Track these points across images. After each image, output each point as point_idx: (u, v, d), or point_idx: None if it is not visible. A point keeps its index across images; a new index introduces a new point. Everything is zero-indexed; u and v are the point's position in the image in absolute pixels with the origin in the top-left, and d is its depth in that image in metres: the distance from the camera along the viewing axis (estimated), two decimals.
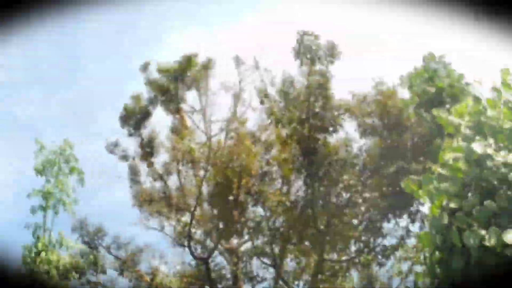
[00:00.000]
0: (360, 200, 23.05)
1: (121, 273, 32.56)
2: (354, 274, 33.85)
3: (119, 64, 64.57)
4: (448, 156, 7.43)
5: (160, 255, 33.56)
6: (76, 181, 21.37)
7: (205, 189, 29.16)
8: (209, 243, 29.06)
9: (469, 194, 6.96)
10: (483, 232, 6.44)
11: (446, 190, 7.22)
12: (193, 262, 28.86)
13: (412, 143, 24.52)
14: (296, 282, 30.45)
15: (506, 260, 6.37)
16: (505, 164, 6.97)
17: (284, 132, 24.57)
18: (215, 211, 27.23)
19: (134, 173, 35.23)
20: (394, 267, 34.97)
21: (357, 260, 27.78)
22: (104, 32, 66.39)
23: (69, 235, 32.10)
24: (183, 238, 27.50)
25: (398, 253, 34.34)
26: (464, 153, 7.19)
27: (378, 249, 25.62)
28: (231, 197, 25.71)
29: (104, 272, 32.66)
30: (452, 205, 7.11)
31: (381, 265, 26.38)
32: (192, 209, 28.24)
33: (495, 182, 6.91)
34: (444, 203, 7.33)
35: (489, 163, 7.06)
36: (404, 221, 25.42)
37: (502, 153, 7.13)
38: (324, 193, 22.67)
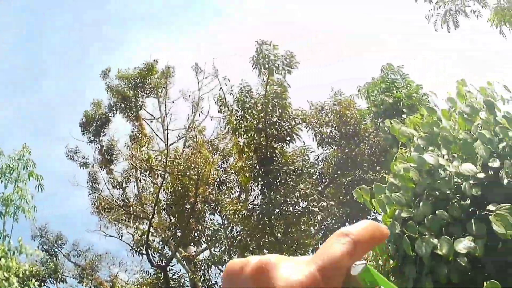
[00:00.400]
0: (316, 209, 23.09)
1: (80, 280, 32.47)
2: None
3: (81, 70, 64.46)
4: (399, 167, 7.50)
5: (120, 262, 33.63)
6: (35, 186, 21.04)
7: (163, 197, 29.19)
8: (167, 251, 29.06)
9: (421, 204, 6.96)
10: (435, 241, 6.40)
11: (398, 199, 7.18)
12: (152, 270, 28.77)
13: (369, 152, 24.79)
14: None
15: (458, 269, 6.38)
16: (458, 174, 6.98)
17: (242, 141, 24.60)
18: (173, 219, 27.16)
19: (93, 180, 35.21)
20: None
21: None
22: (67, 38, 66.28)
23: (28, 242, 32.02)
24: (141, 246, 27.38)
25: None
26: (416, 164, 7.24)
27: None
28: (188, 205, 25.73)
29: (64, 280, 32.57)
30: (404, 214, 7.04)
31: None
32: (150, 217, 28.17)
33: (448, 192, 6.88)
34: (396, 212, 7.29)
35: (441, 173, 7.13)
36: None
37: (455, 163, 7.10)
38: (281, 201, 22.70)
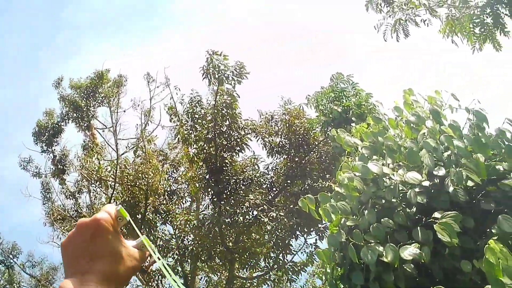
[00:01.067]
0: (266, 219, 23.23)
1: None
2: None
3: (34, 79, 63.92)
4: (344, 176, 7.61)
5: None
6: None
7: None
8: None
9: (366, 212, 6.98)
10: (380, 248, 6.46)
11: (343, 208, 7.26)
12: None
13: (319, 161, 24.98)
14: None
15: (405, 275, 6.45)
16: (403, 183, 7.06)
17: (192, 150, 24.69)
18: (124, 230, 27.03)
19: (46, 191, 34.95)
20: (308, 283, 35.62)
21: (267, 277, 28.09)
22: (19, 47, 65.67)
23: None
24: None
25: (311, 268, 35.00)
26: (360, 173, 7.35)
27: (288, 265, 25.85)
28: (139, 216, 25.65)
29: None
30: (349, 223, 7.16)
31: (292, 281, 26.58)
32: None
33: (393, 200, 6.98)
34: (342, 221, 7.39)
35: (386, 181, 7.21)
36: (312, 238, 25.85)
37: (400, 171, 7.16)
38: (231, 211, 22.79)
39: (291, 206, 24.63)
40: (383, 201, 7.11)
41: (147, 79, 35.60)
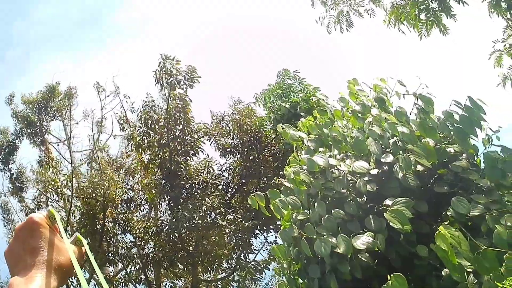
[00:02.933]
0: (224, 223, 23.23)
1: None
2: None
3: None
4: (290, 171, 7.60)
5: None
6: None
7: (74, 221, 28.92)
8: (85, 273, 28.72)
9: (316, 205, 6.95)
10: (333, 240, 6.41)
11: (292, 203, 7.24)
12: None
13: (272, 159, 25.03)
14: None
15: (361, 265, 6.45)
16: (352, 172, 7.06)
17: (146, 157, 24.64)
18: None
19: (5, 211, 34.63)
20: (273, 279, 35.72)
21: (231, 278, 28.13)
22: None
23: None
24: None
25: (277, 265, 35.02)
26: (307, 166, 7.34)
27: (250, 265, 25.92)
28: (98, 227, 25.53)
29: None
30: (300, 217, 7.15)
31: (256, 280, 26.65)
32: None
33: (343, 191, 6.96)
34: (293, 216, 7.41)
35: (335, 173, 7.21)
36: (272, 235, 25.92)
37: (348, 162, 7.21)
38: (188, 216, 22.74)
39: (248, 206, 24.66)
40: (333, 192, 7.11)
41: (97, 88, 35.47)
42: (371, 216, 6.60)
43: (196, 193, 23.69)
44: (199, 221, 23.24)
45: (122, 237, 27.17)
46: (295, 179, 7.35)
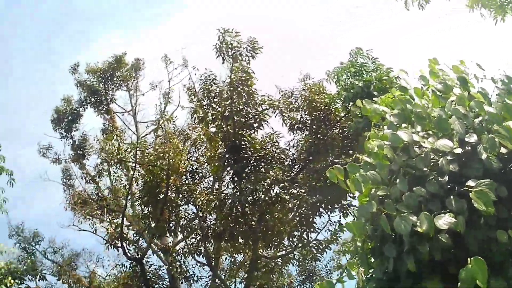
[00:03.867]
0: (287, 197, 22.82)
1: (59, 278, 32.29)
2: (292, 269, 34.19)
3: (48, 67, 63.85)
4: (373, 144, 7.23)
5: (97, 258, 33.50)
6: (7, 182, 20.74)
7: (136, 189, 28.96)
8: (143, 243, 28.81)
9: (397, 181, 6.70)
10: (414, 218, 6.15)
11: (373, 178, 6.90)
12: (128, 263, 28.52)
13: (341, 137, 24.49)
14: (232, 280, 30.48)
15: (440, 246, 6.18)
16: (434, 151, 6.79)
17: (211, 130, 24.35)
18: (146, 211, 26.82)
19: (67, 177, 35.00)
20: (333, 261, 35.47)
21: (292, 256, 27.82)
22: (35, 34, 65.61)
23: (5, 241, 31.96)
24: (116, 239, 27.08)
25: (336, 247, 34.80)
26: (390, 141, 6.96)
27: (312, 244, 25.54)
28: (161, 196, 25.42)
29: (43, 278, 32.40)
30: (380, 192, 6.86)
31: (316, 259, 26.28)
32: (123, 209, 27.93)
33: (425, 169, 6.70)
34: (372, 191, 7.07)
35: (417, 150, 6.92)
36: (336, 216, 25.47)
37: (431, 139, 6.90)
38: (251, 189, 22.43)
39: (314, 183, 24.28)
40: (414, 170, 6.83)
41: (165, 61, 35.55)
42: (452, 197, 6.31)
43: (260, 167, 23.29)
44: (262, 196, 22.94)
45: (185, 208, 27.08)
46: (379, 152, 7.01)
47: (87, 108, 36.00)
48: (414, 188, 6.51)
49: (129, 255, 27.29)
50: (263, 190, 22.50)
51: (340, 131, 24.48)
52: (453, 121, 6.84)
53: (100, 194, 33.12)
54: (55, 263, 32.88)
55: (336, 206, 24.78)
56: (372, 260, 7.39)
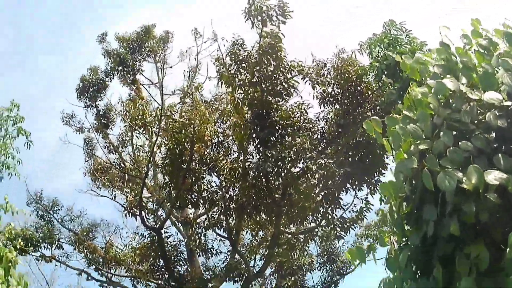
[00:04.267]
0: (314, 167, 21.97)
1: (76, 247, 31.90)
2: (313, 249, 33.50)
3: (76, 35, 63.56)
4: (417, 91, 6.54)
5: (115, 229, 33.12)
6: (24, 144, 20.18)
7: (158, 157, 28.31)
8: (162, 213, 28.08)
9: (441, 134, 6.02)
10: (459, 174, 5.53)
11: (414, 131, 6.28)
12: (147, 233, 27.83)
13: (372, 113, 23.63)
14: (252, 256, 29.72)
15: (486, 206, 5.48)
16: (481, 105, 6.20)
17: (237, 96, 23.51)
18: (168, 179, 26.14)
19: (89, 147, 34.71)
20: (356, 244, 34.75)
21: (315, 233, 27.00)
22: (62, 4, 65.34)
23: (23, 207, 31.58)
24: (135, 207, 26.41)
25: (359, 230, 34.12)
26: (434, 91, 6.39)
27: (337, 221, 24.63)
28: (184, 165, 24.67)
29: (60, 246, 32.03)
30: (422, 146, 6.18)
31: (340, 238, 25.27)
32: (144, 175, 27.32)
33: (470, 124, 6.09)
34: (412, 147, 6.40)
35: (463, 104, 6.27)
36: (364, 192, 24.56)
37: (477, 92, 6.30)
38: (276, 157, 21.59)
39: (342, 158, 23.39)
40: (459, 124, 6.16)
41: (194, 34, 35.03)
42: (500, 155, 5.67)
43: (286, 135, 22.44)
44: (288, 166, 22.16)
45: (208, 180, 26.35)
46: (422, 100, 6.37)
47: (113, 78, 35.46)
48: (459, 143, 5.88)
49: (147, 224, 26.62)
50: (289, 158, 21.70)
51: (371, 106, 23.60)
52: (501, 75, 6.28)
53: (122, 164, 32.65)
54: (72, 231, 32.41)
55: (363, 183, 23.91)
56: (407, 227, 6.70)
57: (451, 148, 5.83)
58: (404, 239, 6.75)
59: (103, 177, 31.64)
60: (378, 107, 23.28)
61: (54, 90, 60.41)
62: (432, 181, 5.62)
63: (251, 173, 23.18)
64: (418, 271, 6.34)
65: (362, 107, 23.73)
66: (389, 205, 6.94)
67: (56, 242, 32.12)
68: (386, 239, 7.23)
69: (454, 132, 6.12)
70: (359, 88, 23.63)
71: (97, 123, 34.29)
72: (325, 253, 34.08)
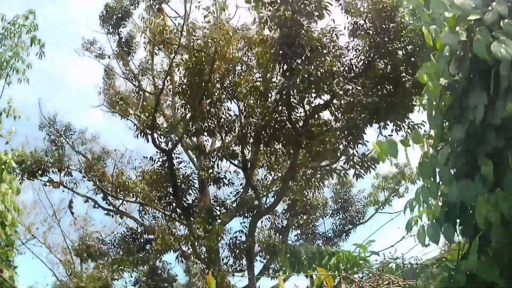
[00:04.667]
0: (341, 92, 20.71)
1: (85, 174, 31.04)
2: (328, 194, 32.52)
3: None
4: None
5: (127, 160, 32.50)
6: (36, 54, 19.24)
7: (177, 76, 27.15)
8: (175, 138, 26.82)
9: (493, 4, 5.24)
10: None
11: (461, 3, 5.49)
12: (157, 157, 26.70)
13: (403, 51, 22.36)
14: (265, 193, 28.51)
15: None
16: None
17: (266, 13, 22.17)
18: (184, 100, 24.97)
19: (109, 75, 33.93)
20: (371, 196, 33.98)
21: (333, 168, 25.71)
22: None
23: (35, 132, 31.06)
24: (148, 128, 25.19)
25: (376, 181, 33.17)
26: None
27: (358, 159, 23.36)
28: (202, 85, 23.48)
29: (69, 173, 31.26)
30: (472, 17, 5.37)
31: (359, 177, 23.78)
32: (159, 92, 26.26)
33: None
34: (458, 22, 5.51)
35: None
36: (387, 132, 23.27)
37: None
38: (303, 78, 20.37)
39: (369, 93, 22.03)
40: None
41: None
42: None
43: (314, 57, 21.13)
44: (313, 88, 20.99)
45: (227, 107, 25.22)
46: None
47: (137, 6, 34.18)
48: None
49: (158, 145, 25.44)
50: (316, 78, 20.50)
51: (403, 43, 22.17)
52: None
53: (140, 92, 31.66)
54: (81, 155, 31.57)
55: (389, 120, 22.64)
56: (446, 123, 5.89)
57: (506, 20, 5.12)
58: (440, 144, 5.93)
59: (117, 96, 30.81)
60: (410, 49, 22.13)
61: (77, 17, 59.49)
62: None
63: (273, 94, 22.01)
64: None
65: (393, 43, 22.32)
66: (427, 98, 6.08)
67: (66, 169, 31.29)
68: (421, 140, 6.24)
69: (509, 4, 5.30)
70: (391, 25, 22.28)
71: (118, 50, 33.19)
72: (339, 200, 33.54)
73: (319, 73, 20.56)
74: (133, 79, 32.76)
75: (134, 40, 33.49)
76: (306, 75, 20.46)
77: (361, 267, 8.00)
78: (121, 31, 33.48)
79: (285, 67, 21.49)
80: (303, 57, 21.09)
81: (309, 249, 8.47)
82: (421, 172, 5.99)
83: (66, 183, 31.65)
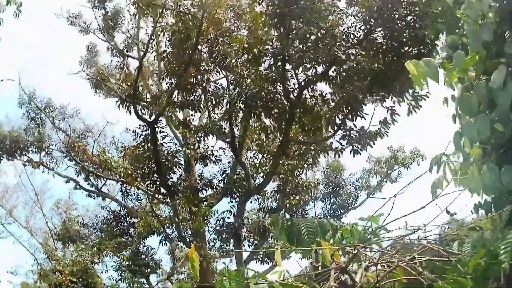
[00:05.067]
0: (344, 56, 18.93)
1: (66, 153, 29.64)
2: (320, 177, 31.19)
3: None
4: None
5: (111, 140, 31.26)
6: (13, 14, 18.01)
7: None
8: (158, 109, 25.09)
9: None
10: None
11: None
12: (140, 131, 24.90)
13: (407, 21, 20.61)
14: (254, 175, 26.76)
15: None
16: None
17: None
18: (169, 67, 23.28)
19: (91, 52, 32.59)
20: (362, 180, 32.84)
21: (327, 144, 23.97)
22: None
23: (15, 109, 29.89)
24: (129, 97, 23.42)
25: (369, 165, 32.01)
26: None
27: (353, 133, 21.70)
28: (189, 51, 21.82)
29: (49, 153, 30.10)
30: None
31: (356, 153, 22.05)
32: (141, 57, 24.69)
33: None
34: None
35: None
36: (389, 103, 21.64)
37: None
38: (302, 34, 18.70)
39: (371, 57, 20.22)
40: None
41: None
42: None
43: (313, 18, 19.40)
44: (311, 52, 19.29)
45: (214, 76, 23.65)
46: None
47: None
48: None
49: (140, 116, 23.67)
50: (316, 38, 18.84)
51: (407, 11, 20.37)
52: None
53: (125, 68, 30.07)
54: (62, 131, 30.18)
55: (391, 88, 20.86)
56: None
57: None
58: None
59: (102, 75, 29.71)
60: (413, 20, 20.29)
61: None
62: None
63: (267, 58, 20.42)
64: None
65: (398, 11, 20.54)
66: (471, 12, 5.68)
67: (46, 149, 30.00)
68: (454, 78, 5.81)
69: None
70: None
71: (104, 25, 31.67)
72: (330, 183, 32.72)
73: (319, 34, 18.90)
74: (118, 55, 31.27)
75: (120, 15, 31.92)
76: (305, 35, 18.77)
77: (378, 240, 6.45)
78: (107, 5, 31.99)
79: (281, 29, 19.76)
80: (302, 18, 19.39)
81: (308, 221, 7.02)
82: (461, 107, 5.62)
83: (46, 163, 30.49)
